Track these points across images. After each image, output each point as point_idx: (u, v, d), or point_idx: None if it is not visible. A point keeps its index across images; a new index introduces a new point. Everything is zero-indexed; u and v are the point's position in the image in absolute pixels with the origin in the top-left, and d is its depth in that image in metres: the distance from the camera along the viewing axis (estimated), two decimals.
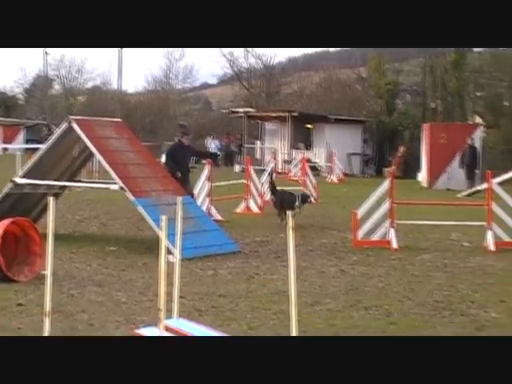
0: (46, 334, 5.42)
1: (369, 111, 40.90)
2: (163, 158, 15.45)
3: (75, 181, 13.28)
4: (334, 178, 30.71)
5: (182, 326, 5.62)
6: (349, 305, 7.77)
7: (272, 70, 53.37)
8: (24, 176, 11.80)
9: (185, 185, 13.32)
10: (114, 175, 10.98)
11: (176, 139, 14.75)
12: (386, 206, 12.05)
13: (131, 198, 10.80)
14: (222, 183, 17.87)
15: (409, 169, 33.29)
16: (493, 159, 31.63)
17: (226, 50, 52.00)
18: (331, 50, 57.64)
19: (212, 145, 40.75)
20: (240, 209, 16.92)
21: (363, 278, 9.38)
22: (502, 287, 8.88)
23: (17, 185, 11.72)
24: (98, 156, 11.32)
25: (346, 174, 32.51)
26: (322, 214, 16.75)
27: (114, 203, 16.33)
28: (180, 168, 13.58)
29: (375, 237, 11.99)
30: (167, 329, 5.20)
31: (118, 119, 13.55)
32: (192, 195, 13.51)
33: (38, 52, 58.57)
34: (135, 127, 26.56)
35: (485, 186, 13.99)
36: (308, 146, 37.40)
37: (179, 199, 5.98)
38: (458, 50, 37.68)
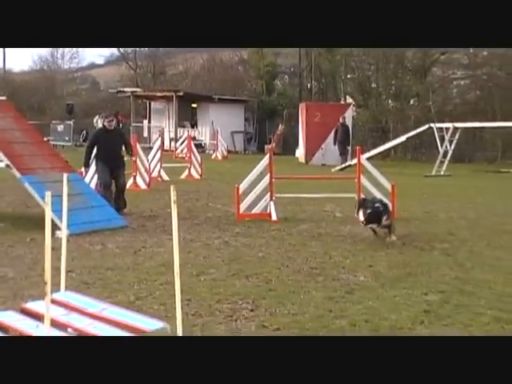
0: None
1: (250, 91, 41.22)
2: None
3: None
4: (219, 155, 30.82)
5: (68, 298, 5.54)
6: (231, 274, 7.85)
7: (157, 51, 52.67)
8: None
9: (110, 174, 12.43)
10: None
11: (99, 125, 13.35)
12: (265, 181, 12.19)
13: (17, 175, 10.48)
14: None
15: (288, 146, 33.77)
16: (362, 136, 32.62)
17: None
18: None
19: (100, 124, 39.90)
20: (128, 185, 16.72)
21: (245, 248, 9.48)
22: (369, 253, 9.18)
23: None
24: None
25: (229, 151, 32.67)
26: (207, 190, 16.81)
27: (1, 181, 15.79)
28: (105, 157, 12.35)
29: (256, 210, 12.13)
30: (54, 302, 5.11)
31: (2, 97, 13.04)
32: (122, 189, 12.69)
33: None
34: (21, 106, 25.63)
35: (355, 161, 14.38)
36: (193, 124, 37.32)
37: (65, 176, 5.85)
38: None
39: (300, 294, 7.00)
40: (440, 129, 25.19)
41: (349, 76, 39.36)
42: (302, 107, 31.43)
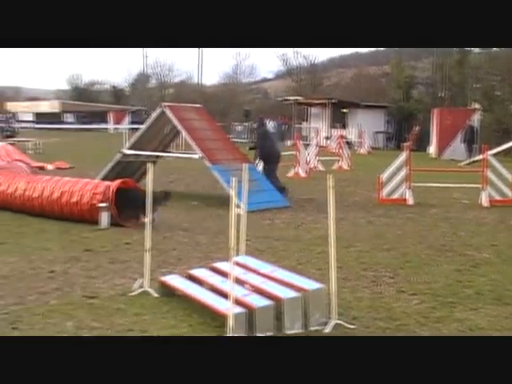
0: (146, 265, 5.53)
1: (390, 99, 40.07)
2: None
3: (167, 152, 13.41)
4: (363, 151, 30.33)
5: (246, 261, 5.67)
6: (374, 247, 7.71)
7: (315, 67, 52.69)
8: (129, 148, 11.99)
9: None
10: (195, 148, 11.05)
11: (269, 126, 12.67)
12: (403, 172, 11.85)
13: (208, 164, 10.86)
14: None
15: (421, 144, 32.57)
16: (487, 136, 30.70)
17: (280, 52, 51.55)
18: (362, 51, 56.67)
19: (270, 124, 40.43)
20: (291, 173, 16.86)
21: (385, 227, 9.27)
22: (492, 234, 8.68)
23: (124, 155, 11.93)
24: (184, 133, 11.39)
25: (372, 148, 32.04)
26: (354, 178, 16.58)
27: (195, 169, 16.43)
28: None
29: (395, 196, 11.83)
30: (236, 263, 5.24)
31: (199, 105, 13.55)
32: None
33: (140, 55, 59.15)
34: (211, 112, 26.43)
35: (481, 156, 13.58)
36: (343, 125, 36.94)
37: (245, 165, 5.99)
38: (461, 51, 36.52)
39: (432, 266, 6.75)
40: None
41: (476, 85, 37.27)
42: (434, 112, 30.24)
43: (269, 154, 12.21)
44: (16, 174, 10.37)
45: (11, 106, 63.74)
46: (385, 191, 11.79)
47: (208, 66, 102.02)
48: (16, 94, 74.82)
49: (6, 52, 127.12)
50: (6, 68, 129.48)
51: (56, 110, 58.69)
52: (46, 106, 60.87)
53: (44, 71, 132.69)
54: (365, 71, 48.54)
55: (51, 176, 10.15)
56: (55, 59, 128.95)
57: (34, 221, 9.07)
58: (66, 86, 71.81)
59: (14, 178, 9.91)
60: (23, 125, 47.18)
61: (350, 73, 51.40)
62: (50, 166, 17.11)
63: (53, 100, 63.78)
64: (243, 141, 35.00)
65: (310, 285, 4.83)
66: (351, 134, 35.37)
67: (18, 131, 34.54)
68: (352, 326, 4.65)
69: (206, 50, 53.41)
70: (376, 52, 50.41)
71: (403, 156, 12.02)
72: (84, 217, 8.90)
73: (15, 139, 26.48)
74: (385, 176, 11.83)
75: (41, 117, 58.98)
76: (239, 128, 38.39)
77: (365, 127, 32.94)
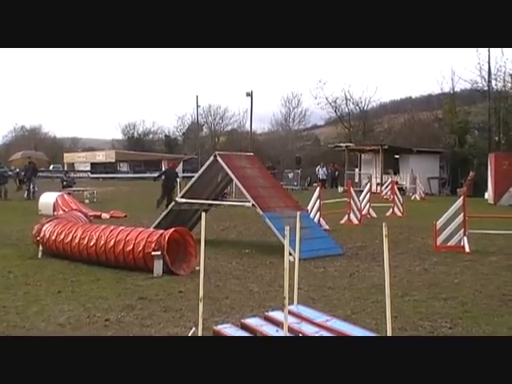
0: (200, 314, 5.54)
1: (444, 144, 39.64)
2: None
3: (219, 200, 13.56)
4: (417, 197, 29.92)
5: (300, 310, 5.61)
6: (431, 296, 7.51)
7: (366, 113, 52.82)
8: (182, 196, 12.18)
9: None
10: (247, 196, 11.14)
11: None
12: (459, 218, 11.60)
13: (260, 212, 10.91)
14: (329, 201, 17.75)
15: (477, 189, 31.90)
16: None
17: (331, 99, 51.88)
18: (413, 96, 56.54)
19: (320, 171, 40.49)
20: (343, 220, 16.74)
21: (442, 275, 9.04)
22: None
23: (177, 203, 12.12)
24: (236, 181, 11.52)
25: (426, 194, 31.54)
26: (408, 225, 16.31)
27: (247, 217, 16.53)
28: None
29: (451, 243, 11.56)
30: (289, 312, 5.20)
31: (251, 153, 13.71)
32: None
33: (192, 104, 60.67)
34: (262, 159, 26.62)
35: None
36: (396, 171, 36.65)
37: (298, 213, 6.00)
38: None
39: (493, 316, 6.52)
40: None
41: None
42: (491, 157, 29.66)
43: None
44: (73, 223, 10.66)
45: (68, 156, 66.20)
46: (440, 238, 11.54)
47: (259, 113, 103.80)
48: (74, 145, 77.69)
49: (64, 103, 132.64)
50: (65, 119, 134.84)
51: (111, 160, 60.58)
52: (101, 156, 62.93)
53: (100, 122, 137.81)
54: (417, 116, 48.26)
55: (107, 225, 10.39)
56: (111, 110, 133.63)
57: (89, 269, 9.27)
58: (121, 136, 74.23)
59: (71, 228, 10.19)
60: (80, 175, 48.78)
61: (402, 118, 51.22)
62: (105, 215, 17.54)
63: (108, 150, 65.91)
64: (294, 187, 35.16)
65: (366, 335, 4.73)
66: (404, 180, 35.01)
67: (75, 181, 35.65)
68: None
69: (257, 98, 54.31)
70: (428, 97, 50.19)
71: (459, 202, 11.79)
72: (138, 265, 9.04)
73: (73, 189, 27.33)
74: (440, 223, 11.60)
75: (96, 166, 60.98)
76: (290, 175, 38.55)
77: (418, 173, 32.59)
